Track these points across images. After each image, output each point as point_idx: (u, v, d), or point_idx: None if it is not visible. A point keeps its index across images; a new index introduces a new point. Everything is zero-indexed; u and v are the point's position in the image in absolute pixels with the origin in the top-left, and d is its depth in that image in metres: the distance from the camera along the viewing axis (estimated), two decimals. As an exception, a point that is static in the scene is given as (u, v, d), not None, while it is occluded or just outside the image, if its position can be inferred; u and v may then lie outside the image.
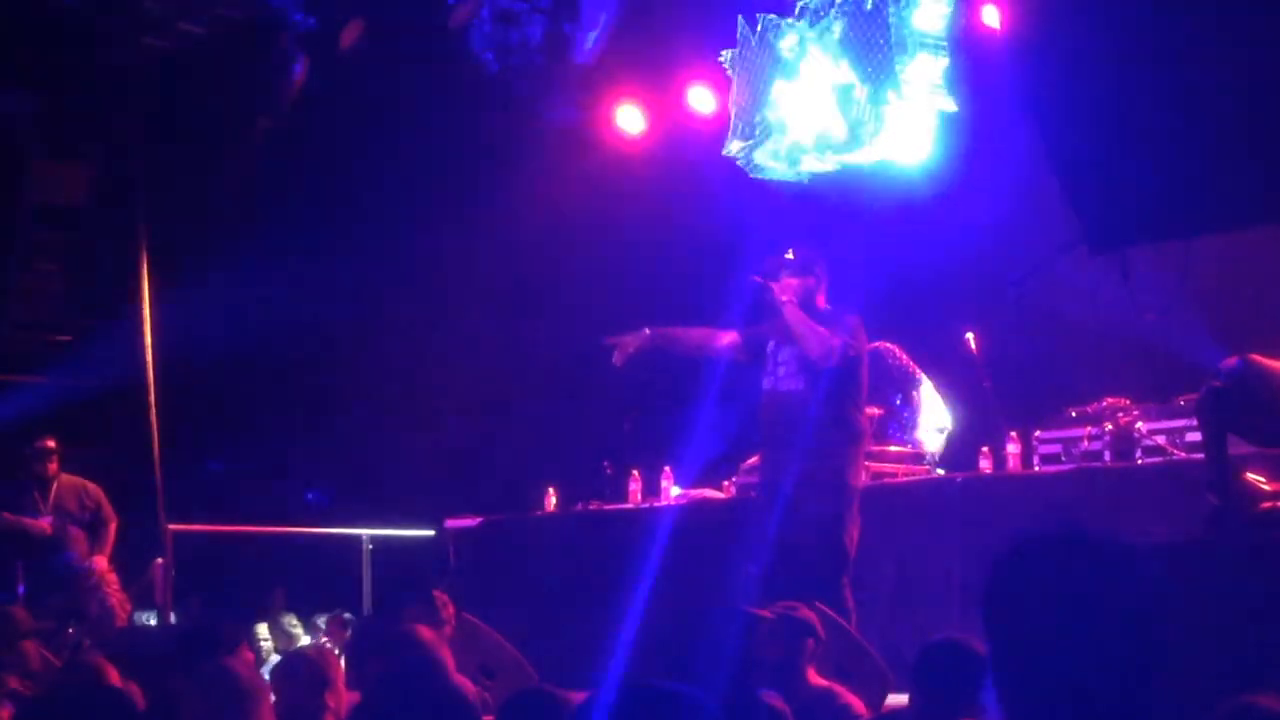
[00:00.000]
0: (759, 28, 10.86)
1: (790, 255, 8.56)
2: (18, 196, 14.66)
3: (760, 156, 10.60)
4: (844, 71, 10.32)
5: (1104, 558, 2.36)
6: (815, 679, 6.06)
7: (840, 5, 10.58)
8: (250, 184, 14.42)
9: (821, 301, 8.51)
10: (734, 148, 11.01)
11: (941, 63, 10.14)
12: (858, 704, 6.00)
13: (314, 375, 14.62)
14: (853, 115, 10.39)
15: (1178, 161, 9.17)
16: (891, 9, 10.15)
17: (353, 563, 13.31)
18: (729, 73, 11.05)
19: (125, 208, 13.57)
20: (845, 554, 8.11)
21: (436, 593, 7.67)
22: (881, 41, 10.12)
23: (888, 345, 10.73)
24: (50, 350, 14.85)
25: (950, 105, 10.46)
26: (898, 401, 10.65)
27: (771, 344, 8.55)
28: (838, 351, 8.19)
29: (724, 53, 11.20)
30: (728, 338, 8.77)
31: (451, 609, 7.27)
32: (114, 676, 5.23)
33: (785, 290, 8.36)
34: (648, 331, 9.11)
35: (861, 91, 10.23)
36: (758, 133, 10.63)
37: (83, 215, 14.92)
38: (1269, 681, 3.53)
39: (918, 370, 10.62)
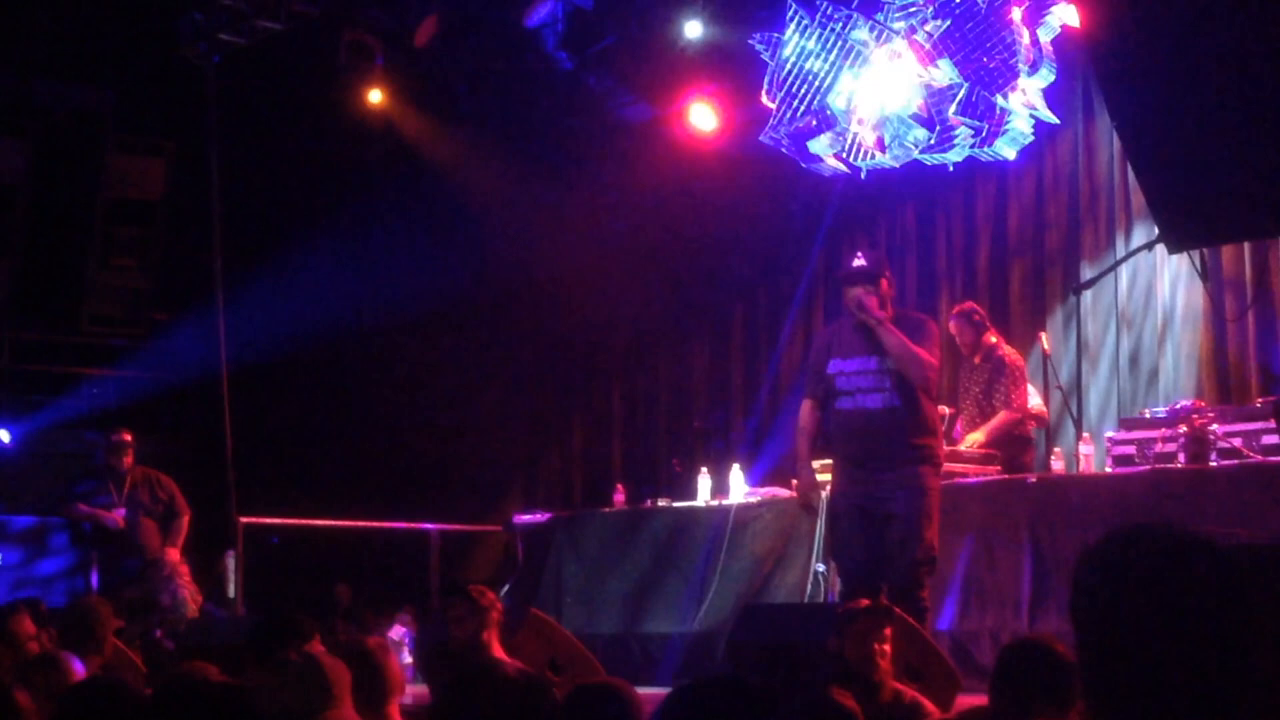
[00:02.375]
0: (821, 13, 10.80)
1: (860, 261, 8.13)
2: (94, 192, 14.80)
3: (816, 145, 10.54)
4: (944, 71, 10.26)
5: (1194, 554, 2.33)
6: (892, 680, 6.04)
7: (942, 4, 10.53)
8: (324, 179, 14.50)
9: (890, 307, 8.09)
10: (781, 133, 10.93)
11: (1050, 76, 10.11)
12: (929, 705, 5.98)
13: (385, 369, 14.69)
14: (947, 116, 10.33)
15: (1256, 162, 9.08)
16: (1016, 19, 10.09)
17: (422, 558, 13.39)
18: (765, 56, 10.99)
19: (200, 202, 13.65)
20: (930, 554, 8.00)
21: (473, 587, 7.69)
22: (1001, 49, 10.06)
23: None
24: (126, 344, 15.00)
25: (1053, 118, 10.41)
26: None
27: (832, 362, 8.08)
28: (935, 370, 7.94)
29: (756, 36, 11.12)
30: (811, 413, 8.25)
31: (492, 595, 7.29)
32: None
33: (873, 306, 7.85)
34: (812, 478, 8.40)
35: (970, 94, 10.17)
36: (815, 121, 10.56)
37: (158, 210, 15.06)
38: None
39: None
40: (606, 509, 11.83)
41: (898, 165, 10.66)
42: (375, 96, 13.48)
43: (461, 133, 14.01)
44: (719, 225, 13.84)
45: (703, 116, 12.83)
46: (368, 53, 13.25)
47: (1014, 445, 10.36)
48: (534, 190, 14.26)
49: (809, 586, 9.90)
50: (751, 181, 13.27)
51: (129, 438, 11.58)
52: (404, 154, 14.16)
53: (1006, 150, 10.66)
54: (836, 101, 10.46)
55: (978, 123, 10.26)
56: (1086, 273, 11.93)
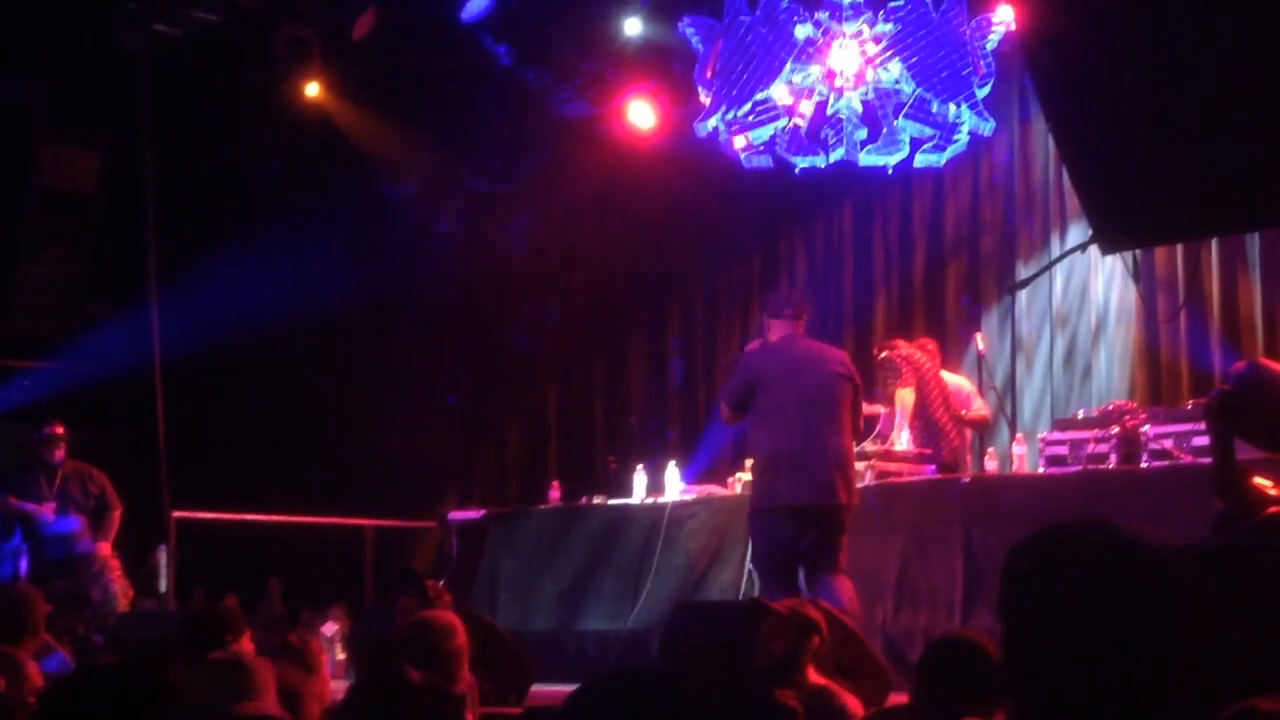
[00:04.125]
0: (759, 8, 10.81)
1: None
2: (26, 182, 14.66)
3: (757, 137, 10.56)
4: (892, 73, 10.31)
5: (1121, 553, 2.35)
6: (814, 676, 6.04)
7: (893, 9, 10.58)
8: (260, 172, 14.41)
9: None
10: (714, 124, 10.93)
11: (989, 86, 10.22)
12: (854, 703, 5.98)
13: (320, 364, 14.61)
14: (893, 119, 10.39)
15: (1189, 163, 9.16)
16: (967, 30, 10.16)
17: (357, 553, 13.33)
18: (696, 43, 10.98)
19: (134, 194, 13.53)
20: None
21: (430, 581, 7.66)
22: (954, 59, 10.13)
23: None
24: (58, 336, 14.86)
25: (989, 127, 10.49)
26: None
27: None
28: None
29: (687, 21, 11.11)
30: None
31: (448, 597, 7.25)
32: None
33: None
34: None
35: (922, 100, 10.24)
36: (753, 115, 10.59)
37: (91, 201, 14.92)
38: (1274, 687, 3.52)
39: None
40: (542, 506, 11.81)
41: (826, 164, 10.72)
42: (312, 90, 13.41)
43: (399, 128, 13.95)
44: (656, 223, 13.84)
45: (641, 114, 12.85)
46: (305, 46, 13.18)
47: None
48: (472, 186, 14.22)
49: (743, 584, 9.92)
50: (690, 180, 13.28)
51: (61, 430, 11.49)
52: (341, 148, 14.08)
53: (936, 158, 10.75)
54: (776, 94, 10.50)
55: (931, 130, 10.32)
56: (1022, 273, 12.00)
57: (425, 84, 13.84)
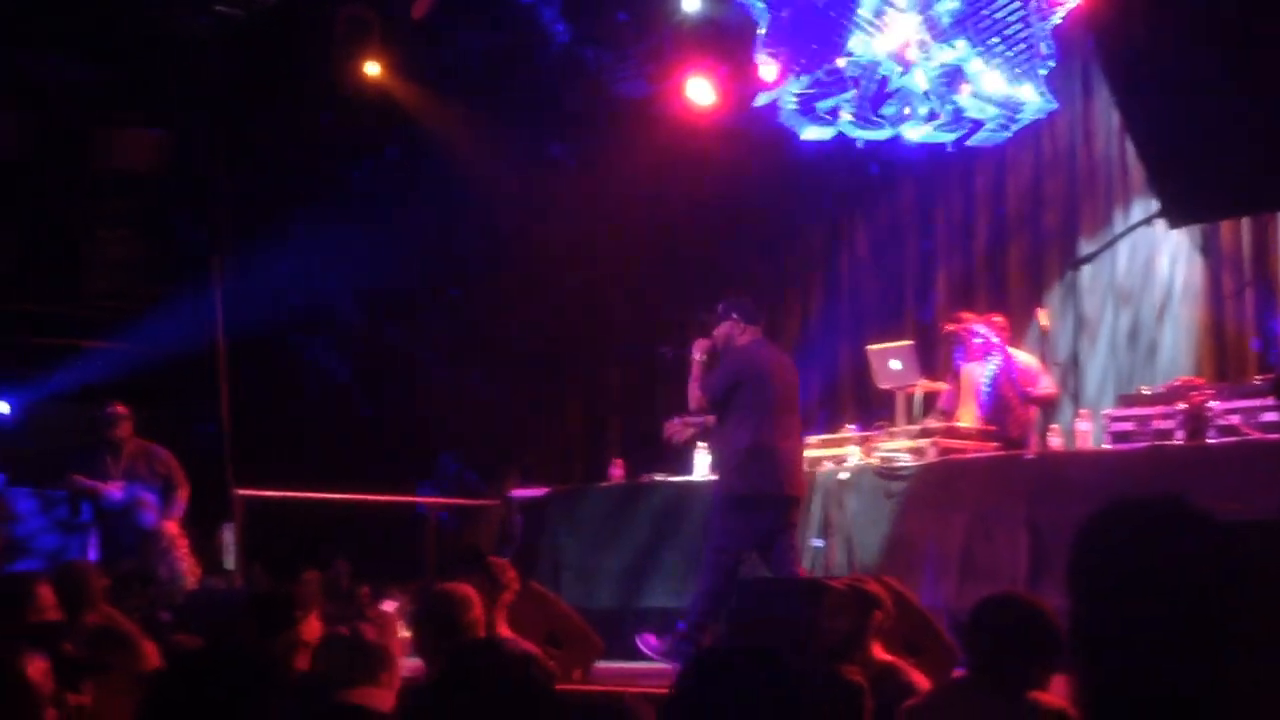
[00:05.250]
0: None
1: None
2: (90, 165, 14.76)
3: (824, 107, 10.51)
4: (959, 51, 10.25)
5: (1191, 529, 2.33)
6: (880, 653, 6.03)
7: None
8: (321, 150, 14.46)
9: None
10: (778, 95, 10.85)
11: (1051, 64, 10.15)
12: (921, 679, 5.97)
13: (382, 343, 14.67)
14: (956, 97, 10.33)
15: (1257, 136, 9.07)
16: (1030, 8, 10.10)
17: (419, 532, 13.39)
18: (758, 15, 10.92)
19: (197, 174, 13.64)
20: (710, 546, 9.16)
21: (494, 559, 7.68)
22: (1018, 38, 10.07)
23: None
24: (123, 316, 14.97)
25: (1051, 107, 10.42)
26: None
27: None
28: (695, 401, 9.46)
29: None
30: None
31: (513, 574, 7.27)
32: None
33: (695, 349, 9.40)
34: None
35: (988, 78, 10.18)
36: (817, 87, 10.53)
37: (154, 183, 15.01)
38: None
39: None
40: (604, 484, 11.82)
41: (888, 140, 10.66)
42: (372, 69, 13.44)
43: (458, 106, 13.97)
44: (717, 200, 13.80)
45: (700, 91, 12.80)
46: (364, 25, 13.21)
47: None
48: (531, 164, 14.22)
49: (806, 562, 9.91)
50: (749, 157, 13.24)
51: (125, 410, 11.56)
52: (400, 127, 14.12)
53: (1000, 136, 10.69)
54: (842, 67, 10.45)
55: (995, 110, 10.27)
56: (1085, 249, 11.92)
57: (483, 63, 13.85)
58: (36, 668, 3.48)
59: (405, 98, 13.82)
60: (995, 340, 10.40)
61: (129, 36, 13.76)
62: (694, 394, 9.25)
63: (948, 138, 10.88)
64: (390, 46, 13.33)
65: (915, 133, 10.76)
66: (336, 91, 13.60)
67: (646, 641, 9.21)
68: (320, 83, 13.65)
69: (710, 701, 2.53)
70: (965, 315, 10.75)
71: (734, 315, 9.28)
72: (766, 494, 8.92)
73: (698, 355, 9.29)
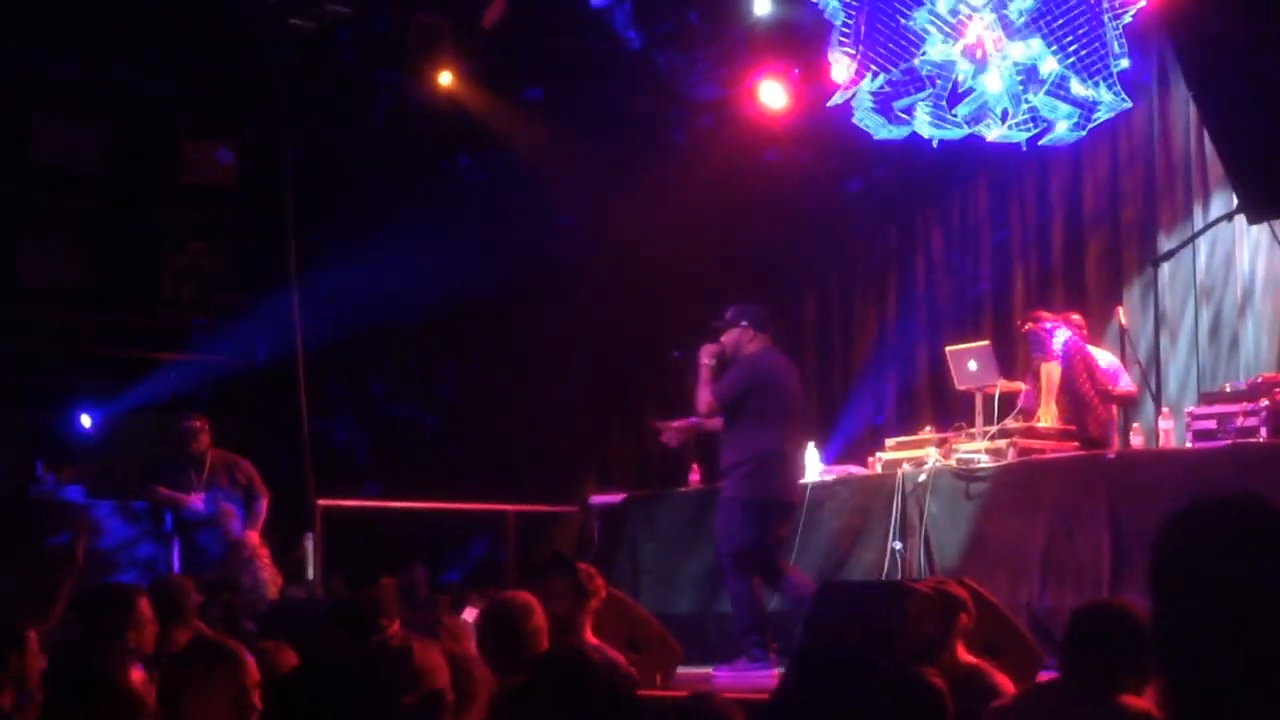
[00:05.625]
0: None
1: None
2: (168, 176, 14.90)
3: (902, 105, 10.48)
4: (1034, 50, 10.20)
5: (1276, 527, 2.31)
6: (964, 655, 6.00)
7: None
8: (395, 159, 14.54)
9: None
10: (855, 94, 10.81)
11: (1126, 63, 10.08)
12: (1006, 682, 5.92)
13: (459, 350, 14.73)
14: (1029, 96, 10.27)
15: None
16: (1104, 6, 10.04)
17: (498, 539, 13.42)
18: (831, 14, 10.88)
19: (273, 185, 13.74)
20: (725, 549, 9.40)
21: (583, 565, 7.69)
22: (1091, 37, 10.01)
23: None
24: (201, 327, 15.10)
25: (1126, 106, 10.34)
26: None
27: None
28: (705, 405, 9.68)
29: None
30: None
31: (600, 580, 7.28)
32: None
33: (702, 354, 9.55)
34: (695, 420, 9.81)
35: (1062, 77, 10.13)
36: (893, 86, 10.49)
37: (231, 194, 15.14)
38: None
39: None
40: (682, 488, 11.82)
41: (961, 137, 10.59)
42: (444, 78, 13.50)
43: (530, 114, 14.01)
44: (790, 203, 13.78)
45: (772, 94, 12.77)
46: (436, 34, 13.27)
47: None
48: (603, 170, 14.24)
49: (886, 564, 9.88)
50: (822, 159, 13.21)
51: (204, 423, 11.67)
52: (473, 135, 14.18)
53: (1075, 135, 10.61)
54: (918, 66, 10.41)
55: (1069, 108, 10.20)
56: (1164, 245, 11.81)
57: (554, 70, 13.89)
58: (137, 678, 3.51)
59: (477, 106, 13.87)
60: (1073, 338, 10.32)
61: (206, 48, 13.89)
62: (703, 398, 9.39)
63: (1022, 137, 10.81)
64: (462, 55, 13.38)
65: (990, 132, 10.70)
66: (409, 101, 13.67)
67: (721, 676, 9.14)
68: (393, 92, 13.73)
69: (811, 704, 2.53)
70: (1043, 313, 10.68)
71: (744, 322, 9.48)
72: (778, 499, 9.22)
73: (706, 360, 9.43)
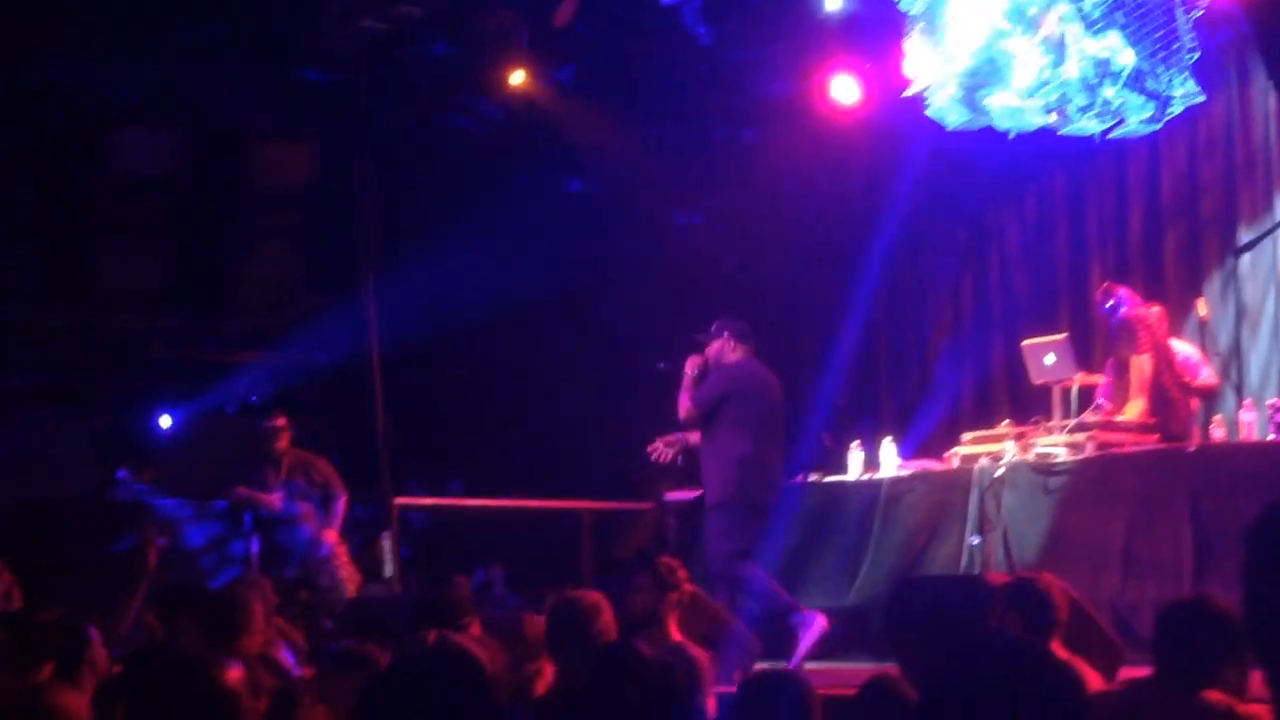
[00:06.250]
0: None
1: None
2: (243, 180, 15.02)
3: (988, 96, 10.42)
4: (1111, 43, 10.13)
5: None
6: (1060, 651, 5.95)
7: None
8: (468, 160, 14.59)
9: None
10: (945, 83, 10.74)
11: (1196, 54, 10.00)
12: (1094, 678, 5.88)
13: (534, 348, 14.75)
14: (1103, 89, 10.20)
15: None
16: (1180, 6, 9.97)
17: (574, 537, 13.43)
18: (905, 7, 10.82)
19: (347, 187, 13.82)
20: (716, 555, 9.53)
21: (664, 559, 7.70)
22: (1169, 28, 9.93)
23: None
24: (278, 329, 15.21)
25: (1201, 99, 10.25)
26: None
27: None
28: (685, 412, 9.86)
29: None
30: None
31: (682, 574, 7.29)
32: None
33: (687, 366, 9.84)
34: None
35: (1138, 69, 10.05)
36: (974, 77, 10.43)
37: (306, 196, 15.24)
38: None
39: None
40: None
41: (1037, 128, 10.51)
42: (516, 78, 13.53)
43: (602, 112, 14.02)
44: (863, 197, 13.71)
45: (844, 89, 12.72)
46: (509, 34, 13.30)
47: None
48: (676, 167, 14.23)
49: (964, 559, 9.83)
50: (895, 153, 13.13)
51: (283, 422, 11.74)
52: (545, 134, 14.20)
53: (1151, 128, 10.52)
54: (998, 57, 10.35)
55: (1141, 98, 10.11)
56: (1244, 236, 11.68)
57: (627, 68, 13.89)
58: (235, 677, 3.53)
59: (550, 104, 13.89)
60: (1160, 330, 10.22)
61: (280, 52, 13.98)
62: (684, 404, 9.69)
63: (1097, 129, 10.71)
64: (535, 54, 13.41)
65: (1066, 125, 10.61)
66: (482, 100, 13.71)
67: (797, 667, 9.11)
68: (466, 92, 13.77)
69: (974, 693, 2.52)
70: (1117, 287, 10.54)
71: (726, 333, 9.79)
72: (759, 501, 9.46)
73: (689, 370, 9.74)
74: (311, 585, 11.18)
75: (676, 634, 6.90)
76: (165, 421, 14.55)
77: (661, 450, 10.10)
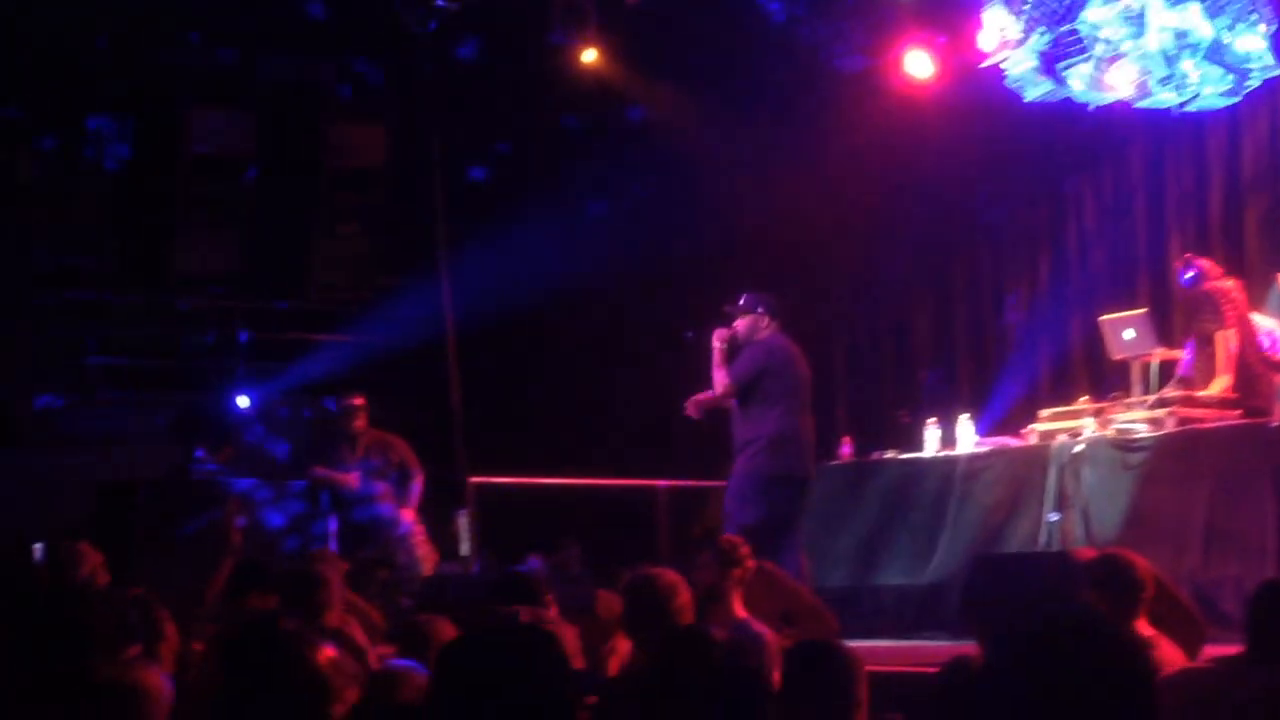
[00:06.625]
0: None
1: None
2: (318, 161, 15.10)
3: (1068, 68, 10.32)
4: (1192, 16, 10.01)
5: None
6: (1145, 628, 5.90)
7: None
8: (540, 140, 14.60)
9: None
10: (1024, 52, 10.63)
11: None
12: (1178, 655, 5.83)
13: (608, 326, 14.76)
14: (1182, 62, 10.09)
15: None
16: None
17: (650, 514, 13.44)
18: None
19: (421, 167, 13.86)
20: (736, 528, 9.23)
21: (729, 537, 7.71)
22: (1247, 6, 9.82)
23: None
24: (353, 309, 15.29)
25: (1278, 69, 10.13)
26: None
27: None
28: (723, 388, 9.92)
29: None
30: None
31: (745, 550, 7.29)
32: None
33: (715, 338, 9.96)
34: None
35: (1217, 41, 9.94)
36: (1058, 47, 10.32)
37: (380, 176, 15.31)
38: None
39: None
40: (833, 462, 11.77)
41: (1116, 101, 10.40)
42: (589, 56, 13.52)
43: (675, 89, 13.99)
44: (937, 173, 13.63)
45: (919, 64, 12.63)
46: (581, 13, 13.28)
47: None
48: (748, 145, 14.19)
49: (1043, 536, 9.77)
50: (970, 128, 13.04)
51: (360, 401, 11.79)
52: (618, 112, 14.18)
53: (1229, 101, 10.39)
54: (1080, 29, 10.25)
55: (1222, 71, 9.99)
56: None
57: (698, 45, 13.85)
58: (328, 655, 3.54)
59: (622, 83, 13.87)
60: (1243, 304, 10.09)
61: (353, 33, 14.04)
62: (721, 380, 9.77)
63: (1175, 101, 10.59)
64: (606, 33, 13.39)
65: (1147, 98, 10.50)
66: (554, 79, 13.70)
67: None
68: (538, 71, 13.77)
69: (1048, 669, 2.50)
70: (1198, 259, 10.40)
71: (759, 309, 9.88)
72: (793, 475, 9.58)
73: (718, 343, 9.83)
74: (389, 564, 11.23)
75: (740, 610, 6.90)
76: (243, 401, 14.66)
77: (694, 408, 10.16)
